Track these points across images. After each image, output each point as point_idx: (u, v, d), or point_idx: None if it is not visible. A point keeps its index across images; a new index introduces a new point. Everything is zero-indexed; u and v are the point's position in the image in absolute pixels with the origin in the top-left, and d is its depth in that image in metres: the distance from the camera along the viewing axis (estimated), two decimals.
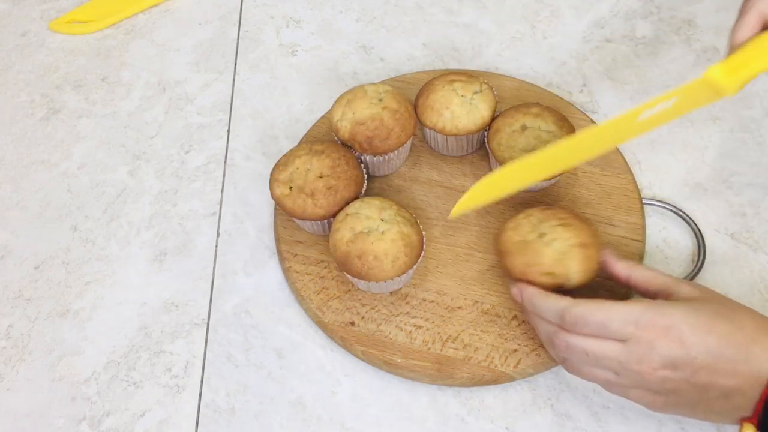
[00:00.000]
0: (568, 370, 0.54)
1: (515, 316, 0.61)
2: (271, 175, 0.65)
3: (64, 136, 0.79)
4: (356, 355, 0.61)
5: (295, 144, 0.75)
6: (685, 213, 0.68)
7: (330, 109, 0.70)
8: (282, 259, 0.66)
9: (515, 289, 0.57)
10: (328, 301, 0.63)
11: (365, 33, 0.86)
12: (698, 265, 0.64)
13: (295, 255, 0.66)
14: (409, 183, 0.70)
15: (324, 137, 0.74)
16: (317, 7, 0.89)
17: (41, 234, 0.71)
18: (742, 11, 0.54)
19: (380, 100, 0.67)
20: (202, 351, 0.63)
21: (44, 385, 0.62)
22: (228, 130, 0.78)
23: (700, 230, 0.67)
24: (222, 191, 0.73)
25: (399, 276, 0.59)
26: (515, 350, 0.59)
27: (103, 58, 0.86)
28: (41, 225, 0.72)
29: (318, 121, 0.75)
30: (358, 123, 0.66)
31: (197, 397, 0.60)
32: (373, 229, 0.59)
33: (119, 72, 0.84)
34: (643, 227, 0.66)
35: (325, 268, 0.65)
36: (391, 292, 0.63)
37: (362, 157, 0.67)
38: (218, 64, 0.84)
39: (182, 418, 0.59)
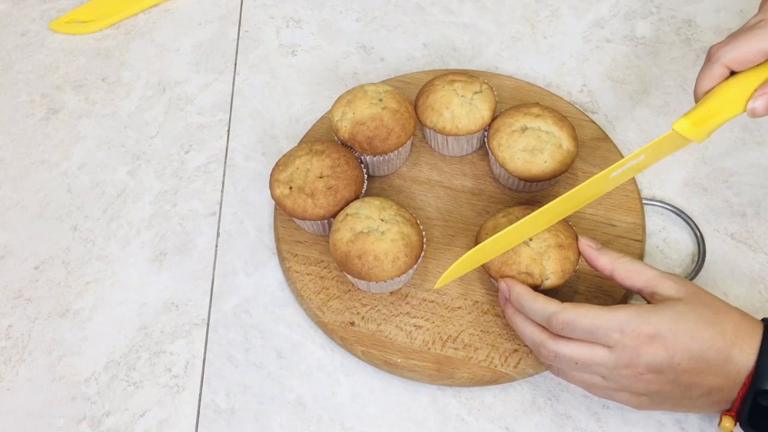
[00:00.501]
0: (554, 374, 0.55)
1: None
2: (271, 175, 0.65)
3: (64, 136, 0.79)
4: (356, 355, 0.61)
5: (295, 144, 0.75)
6: (685, 213, 0.68)
7: (330, 109, 0.70)
8: (282, 259, 0.66)
9: (503, 284, 0.57)
10: (328, 301, 0.63)
11: (365, 33, 0.86)
12: (698, 265, 0.64)
13: (295, 255, 0.66)
14: (409, 183, 0.70)
15: (324, 137, 0.74)
16: (317, 7, 0.89)
17: (41, 234, 0.71)
18: (708, 60, 0.55)
19: (380, 100, 0.67)
20: (202, 351, 0.63)
21: (44, 385, 0.62)
22: (228, 130, 0.78)
23: (700, 230, 0.67)
24: (222, 191, 0.73)
25: (399, 276, 0.59)
26: (515, 350, 0.59)
27: (103, 58, 0.86)
28: (41, 225, 0.72)
29: (318, 121, 0.75)
30: (358, 123, 0.66)
31: (197, 397, 0.60)
32: (373, 229, 0.59)
33: (119, 72, 0.84)
34: (643, 227, 0.66)
35: (325, 268, 0.65)
36: (391, 292, 0.63)
37: (362, 157, 0.67)
38: (218, 64, 0.84)
39: (182, 418, 0.59)
